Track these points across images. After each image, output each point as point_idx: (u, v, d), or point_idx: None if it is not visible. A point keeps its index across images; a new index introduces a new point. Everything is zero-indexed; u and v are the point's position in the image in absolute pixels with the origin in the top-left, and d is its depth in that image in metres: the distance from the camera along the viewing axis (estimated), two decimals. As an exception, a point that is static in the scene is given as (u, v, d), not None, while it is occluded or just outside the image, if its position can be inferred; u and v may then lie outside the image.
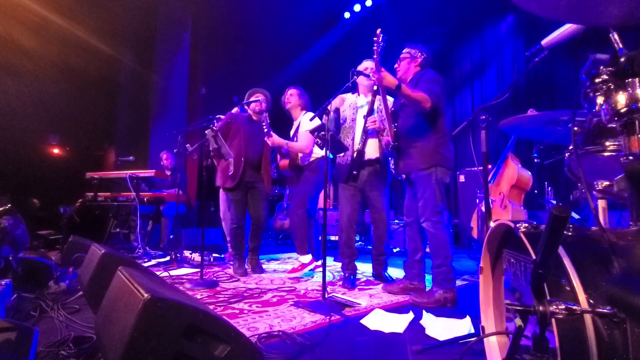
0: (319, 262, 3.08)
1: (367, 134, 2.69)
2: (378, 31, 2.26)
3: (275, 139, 3.05)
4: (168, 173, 4.78)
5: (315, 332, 1.71)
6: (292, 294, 2.45)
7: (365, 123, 2.66)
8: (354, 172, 2.67)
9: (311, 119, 2.76)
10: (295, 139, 3.18)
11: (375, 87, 2.60)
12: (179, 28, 6.61)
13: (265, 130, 3.01)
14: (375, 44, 2.24)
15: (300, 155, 3.15)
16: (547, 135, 1.60)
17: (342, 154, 2.80)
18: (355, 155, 2.70)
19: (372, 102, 2.66)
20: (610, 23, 0.94)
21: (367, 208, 3.11)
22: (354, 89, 2.88)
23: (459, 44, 6.19)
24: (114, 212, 4.28)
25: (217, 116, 3.07)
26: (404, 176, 2.49)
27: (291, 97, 3.27)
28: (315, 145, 3.06)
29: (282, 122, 3.22)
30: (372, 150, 2.75)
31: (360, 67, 2.75)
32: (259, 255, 3.33)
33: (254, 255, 3.27)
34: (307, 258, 3.04)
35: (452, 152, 2.38)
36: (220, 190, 3.42)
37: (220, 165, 3.21)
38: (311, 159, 3.12)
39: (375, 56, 2.24)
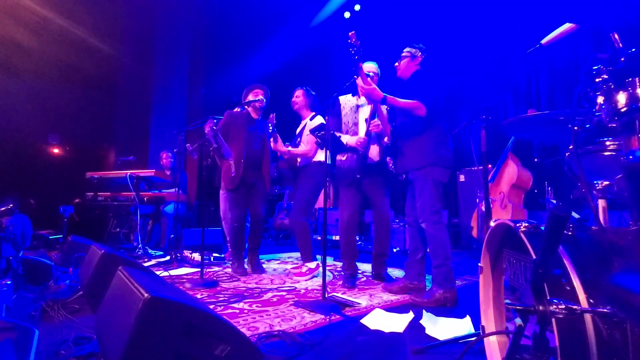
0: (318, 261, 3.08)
1: (370, 137, 2.68)
2: (351, 34, 2.21)
3: (279, 146, 3.06)
4: (168, 173, 4.78)
5: (315, 331, 1.71)
6: (292, 294, 2.44)
7: (369, 126, 2.65)
8: (358, 176, 2.64)
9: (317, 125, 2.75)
10: (299, 139, 3.19)
11: None
12: (179, 28, 6.60)
13: (271, 130, 3.00)
14: (350, 47, 2.21)
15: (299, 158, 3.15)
16: (547, 135, 1.60)
17: (343, 157, 2.79)
18: (359, 159, 2.67)
19: (374, 106, 2.65)
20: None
21: (367, 208, 3.09)
22: (354, 90, 2.86)
23: (459, 43, 6.18)
24: (114, 212, 4.28)
25: (215, 118, 3.05)
26: (404, 176, 2.48)
27: (297, 98, 3.25)
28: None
29: (285, 122, 3.20)
30: (375, 153, 2.74)
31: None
32: (259, 255, 3.32)
33: (254, 255, 3.26)
34: (313, 264, 3.03)
35: (450, 150, 2.35)
36: (220, 189, 3.42)
37: (223, 167, 3.20)
38: (310, 162, 3.11)
39: (360, 68, 2.28)
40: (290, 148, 3.10)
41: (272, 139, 3.05)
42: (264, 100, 3.23)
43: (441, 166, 2.29)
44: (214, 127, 2.83)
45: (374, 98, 2.28)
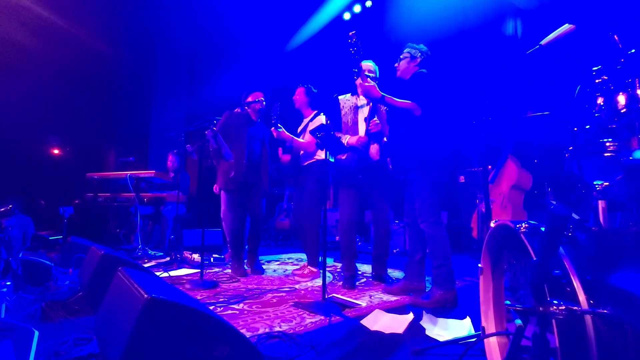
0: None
1: (370, 136, 2.68)
2: (351, 33, 2.24)
3: (282, 132, 3.06)
4: (171, 174, 4.77)
5: (315, 332, 1.71)
6: (292, 295, 2.44)
7: (368, 126, 2.64)
8: (359, 177, 2.65)
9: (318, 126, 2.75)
10: (301, 137, 3.19)
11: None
12: (179, 28, 6.61)
13: (273, 121, 3.00)
14: (351, 47, 2.23)
15: (301, 152, 3.15)
16: (547, 136, 1.60)
17: (344, 157, 2.78)
18: (360, 158, 2.67)
19: (373, 105, 2.66)
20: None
21: (367, 208, 3.09)
22: (353, 90, 2.87)
23: (459, 43, 6.18)
24: (113, 212, 4.28)
25: (216, 120, 3.04)
26: (402, 176, 2.48)
27: (297, 96, 3.27)
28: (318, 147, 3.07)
29: (285, 124, 3.19)
30: (375, 152, 2.73)
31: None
32: (259, 256, 3.31)
33: (253, 256, 3.25)
34: (315, 269, 3.06)
35: (449, 151, 2.36)
36: (222, 190, 3.41)
37: (221, 167, 3.18)
38: (313, 160, 3.11)
39: (360, 66, 2.29)
40: (293, 137, 3.11)
41: (273, 129, 3.05)
42: (264, 102, 3.23)
43: (440, 167, 2.29)
44: (214, 128, 2.83)
45: (372, 96, 2.28)
